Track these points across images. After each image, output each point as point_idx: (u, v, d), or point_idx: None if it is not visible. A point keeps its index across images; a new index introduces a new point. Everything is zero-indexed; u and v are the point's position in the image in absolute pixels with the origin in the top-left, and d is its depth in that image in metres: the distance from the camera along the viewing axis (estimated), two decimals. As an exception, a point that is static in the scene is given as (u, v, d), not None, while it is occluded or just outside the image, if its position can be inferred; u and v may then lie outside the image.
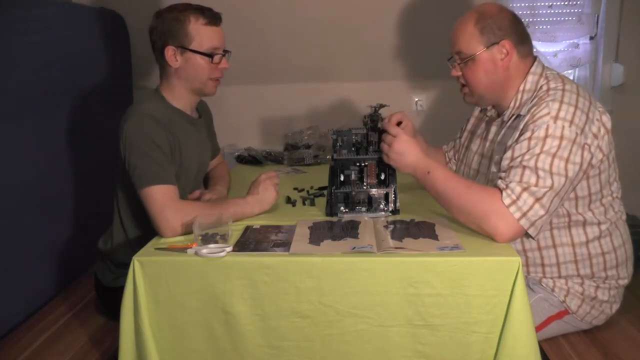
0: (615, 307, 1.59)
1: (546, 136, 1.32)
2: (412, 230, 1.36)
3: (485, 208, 1.29)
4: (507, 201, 1.28)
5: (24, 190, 1.84)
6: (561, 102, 1.36)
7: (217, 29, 1.57)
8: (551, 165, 1.30)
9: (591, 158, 1.39)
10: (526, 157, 1.32)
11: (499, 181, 1.33)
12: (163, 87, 1.61)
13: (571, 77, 2.62)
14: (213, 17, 1.56)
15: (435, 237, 1.32)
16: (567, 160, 1.31)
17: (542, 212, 1.28)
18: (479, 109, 1.74)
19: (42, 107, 1.93)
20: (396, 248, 1.24)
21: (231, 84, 2.60)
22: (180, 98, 1.61)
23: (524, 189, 1.28)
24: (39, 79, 1.91)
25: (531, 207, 1.27)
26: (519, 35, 1.47)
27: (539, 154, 1.31)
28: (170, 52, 1.54)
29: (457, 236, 1.31)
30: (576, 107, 1.36)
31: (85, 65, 2.21)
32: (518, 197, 1.28)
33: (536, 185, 1.28)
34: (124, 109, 1.57)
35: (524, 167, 1.31)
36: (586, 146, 1.36)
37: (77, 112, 2.10)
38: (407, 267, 1.20)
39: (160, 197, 1.40)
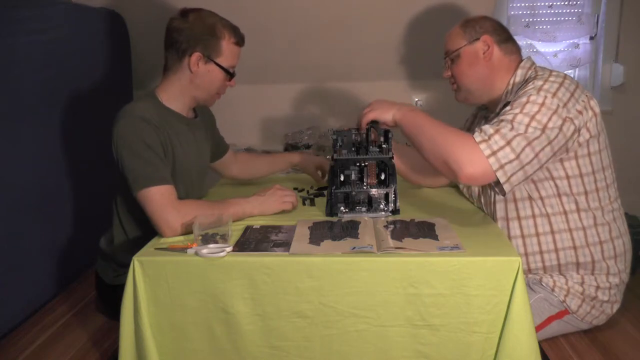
0: (616, 307, 1.59)
1: (527, 102, 1.35)
2: (412, 230, 1.36)
3: (455, 141, 1.31)
4: (478, 139, 1.29)
5: (24, 190, 1.84)
6: (546, 80, 1.41)
7: (239, 50, 1.62)
8: (528, 123, 1.31)
9: (575, 130, 1.39)
10: (505, 114, 1.35)
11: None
12: (161, 88, 1.60)
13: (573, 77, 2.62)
14: (241, 39, 1.61)
15: (435, 237, 1.32)
16: (544, 125, 1.32)
17: (512, 155, 1.28)
18: (479, 108, 1.75)
19: (42, 107, 1.93)
20: (396, 248, 1.24)
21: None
22: (176, 100, 1.60)
23: (496, 132, 1.30)
24: (39, 79, 1.91)
25: (501, 148, 1.28)
26: (501, 35, 1.57)
27: (516, 114, 1.33)
28: (195, 58, 1.54)
29: (457, 236, 1.31)
30: (561, 84, 1.40)
31: (85, 65, 2.21)
32: (489, 137, 1.29)
33: (509, 132, 1.30)
34: (123, 109, 1.57)
35: (501, 120, 1.33)
36: (568, 119, 1.37)
37: (77, 112, 2.10)
38: (407, 267, 1.20)
39: (158, 199, 1.40)
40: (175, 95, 1.60)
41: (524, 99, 1.36)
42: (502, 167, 1.28)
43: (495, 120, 1.36)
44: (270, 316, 1.25)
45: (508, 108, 1.38)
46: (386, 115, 1.47)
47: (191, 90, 1.59)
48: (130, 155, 1.44)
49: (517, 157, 1.28)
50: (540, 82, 1.40)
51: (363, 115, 1.50)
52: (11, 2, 1.80)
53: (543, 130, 1.32)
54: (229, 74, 1.60)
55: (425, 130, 1.38)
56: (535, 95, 1.36)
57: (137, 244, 1.36)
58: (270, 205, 1.53)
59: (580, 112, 1.40)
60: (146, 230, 1.57)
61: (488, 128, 1.31)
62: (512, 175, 1.29)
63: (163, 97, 1.59)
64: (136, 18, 2.48)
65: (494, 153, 1.27)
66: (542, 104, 1.34)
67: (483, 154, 1.27)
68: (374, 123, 1.51)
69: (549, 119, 1.33)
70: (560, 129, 1.35)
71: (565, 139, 1.37)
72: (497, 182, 1.30)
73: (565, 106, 1.37)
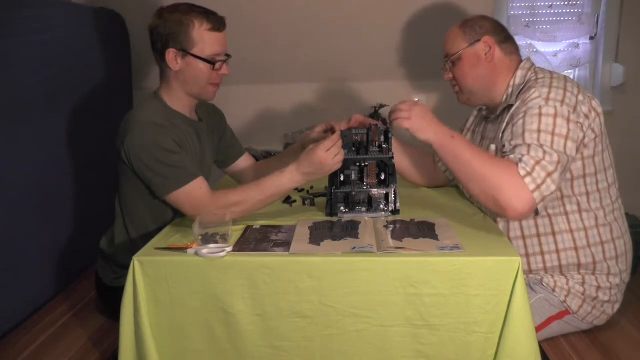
0: (617, 307, 1.59)
1: (540, 114, 1.36)
2: (412, 230, 1.36)
3: (502, 178, 1.30)
4: (522, 172, 1.30)
5: (24, 190, 1.84)
6: (550, 86, 1.41)
7: (220, 35, 1.53)
8: (552, 143, 1.33)
9: (583, 137, 1.42)
10: (526, 135, 1.35)
11: (511, 155, 1.34)
12: (162, 89, 1.60)
13: (571, 77, 2.62)
14: (217, 23, 1.52)
15: (435, 237, 1.32)
16: (566, 138, 1.34)
17: (553, 187, 1.30)
18: (478, 108, 1.75)
19: (42, 107, 1.93)
20: (396, 248, 1.24)
21: (231, 84, 2.59)
22: (179, 100, 1.59)
23: (537, 163, 1.30)
24: (39, 79, 1.91)
25: (544, 181, 1.29)
26: (500, 35, 1.57)
27: (538, 132, 1.34)
28: (171, 54, 1.51)
29: (457, 236, 1.31)
30: (565, 89, 1.41)
31: (85, 65, 2.21)
32: (532, 170, 1.30)
33: (544, 159, 1.31)
34: (124, 108, 1.56)
35: (529, 145, 1.33)
36: (578, 124, 1.39)
37: (77, 112, 2.11)
38: (407, 267, 1.20)
39: (188, 199, 1.43)
40: (177, 95, 1.58)
41: (535, 111, 1.36)
42: (544, 199, 1.31)
43: (521, 142, 1.34)
44: (270, 316, 1.24)
45: (520, 121, 1.37)
46: (422, 135, 1.40)
47: (183, 87, 1.57)
48: (151, 164, 1.43)
49: (556, 186, 1.31)
50: (545, 90, 1.40)
51: (397, 117, 1.42)
52: (11, 2, 1.80)
53: (565, 147, 1.34)
54: (211, 63, 1.53)
55: (468, 164, 1.35)
56: (546, 107, 1.36)
57: (138, 246, 1.36)
58: (320, 175, 1.43)
59: (586, 116, 1.42)
60: (149, 230, 1.57)
61: (528, 160, 1.30)
62: (548, 201, 1.34)
63: (167, 99, 1.58)
64: (136, 18, 2.48)
65: (538, 187, 1.29)
66: (556, 115, 1.35)
67: (529, 189, 1.29)
68: (374, 115, 1.50)
69: (568, 130, 1.35)
70: (576, 140, 1.38)
71: (576, 150, 1.40)
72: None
73: (575, 111, 1.38)
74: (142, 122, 1.46)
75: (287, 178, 1.42)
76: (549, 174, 1.30)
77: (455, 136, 1.38)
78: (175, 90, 1.58)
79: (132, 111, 1.53)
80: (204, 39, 1.50)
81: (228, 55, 1.59)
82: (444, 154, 1.39)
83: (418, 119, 1.40)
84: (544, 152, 1.31)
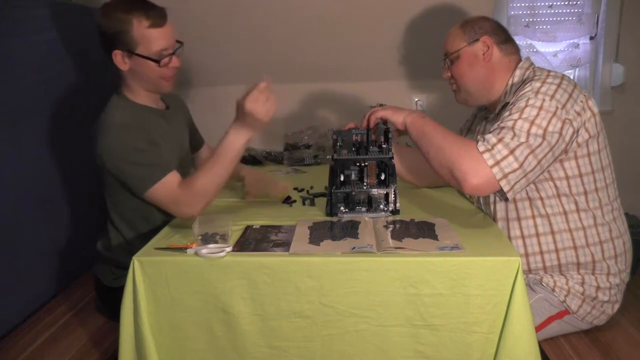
0: (617, 307, 1.59)
1: (526, 106, 1.36)
2: (412, 230, 1.36)
3: (459, 152, 1.32)
4: (481, 148, 1.30)
5: (24, 190, 1.84)
6: (543, 82, 1.41)
7: (162, 30, 1.49)
8: (529, 129, 1.32)
9: (573, 133, 1.40)
10: (505, 121, 1.36)
11: (479, 136, 1.37)
12: (123, 86, 1.60)
13: (571, 77, 2.62)
14: (157, 18, 1.47)
15: (435, 237, 1.32)
16: (545, 129, 1.33)
17: (515, 165, 1.29)
18: (478, 108, 1.75)
19: (41, 107, 1.93)
20: (396, 248, 1.24)
21: (231, 84, 2.60)
22: (140, 95, 1.59)
23: (499, 141, 1.31)
24: (38, 79, 1.91)
25: (505, 158, 1.29)
26: (500, 36, 1.58)
27: (516, 120, 1.34)
28: (118, 57, 1.50)
29: (457, 236, 1.31)
30: (559, 86, 1.40)
31: (85, 65, 2.21)
32: (492, 147, 1.30)
33: (512, 139, 1.31)
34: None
35: (502, 128, 1.34)
36: (567, 121, 1.37)
37: (76, 112, 2.10)
38: (407, 267, 1.20)
39: (164, 194, 1.43)
40: (137, 91, 1.59)
41: (522, 103, 1.37)
42: (505, 176, 1.29)
43: (496, 126, 1.36)
44: (270, 316, 1.25)
45: (507, 113, 1.38)
46: (397, 117, 1.49)
47: (139, 84, 1.57)
48: (124, 165, 1.44)
49: (521, 166, 1.30)
50: (537, 84, 1.40)
51: (372, 112, 1.53)
52: (10, 2, 1.80)
53: (544, 136, 1.32)
54: (157, 61, 1.50)
55: (432, 138, 1.40)
56: (534, 99, 1.37)
57: (133, 245, 1.36)
58: (260, 124, 1.38)
59: (578, 114, 1.41)
60: (141, 230, 1.58)
61: (490, 137, 1.32)
62: (515, 184, 1.31)
63: (130, 96, 1.59)
64: (136, 18, 2.47)
65: (497, 163, 1.28)
66: (541, 107, 1.35)
67: (487, 164, 1.28)
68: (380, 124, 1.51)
69: (549, 122, 1.34)
70: (560, 132, 1.36)
71: (564, 143, 1.38)
72: (501, 190, 1.31)
73: (563, 107, 1.37)
74: (109, 124, 1.47)
75: (233, 136, 1.39)
76: (511, 151, 1.29)
77: (426, 117, 1.46)
78: (134, 87, 1.59)
79: (100, 115, 1.53)
80: (145, 36, 1.48)
81: (180, 43, 1.55)
82: (414, 130, 1.45)
83: (390, 107, 1.53)
84: (514, 134, 1.31)
